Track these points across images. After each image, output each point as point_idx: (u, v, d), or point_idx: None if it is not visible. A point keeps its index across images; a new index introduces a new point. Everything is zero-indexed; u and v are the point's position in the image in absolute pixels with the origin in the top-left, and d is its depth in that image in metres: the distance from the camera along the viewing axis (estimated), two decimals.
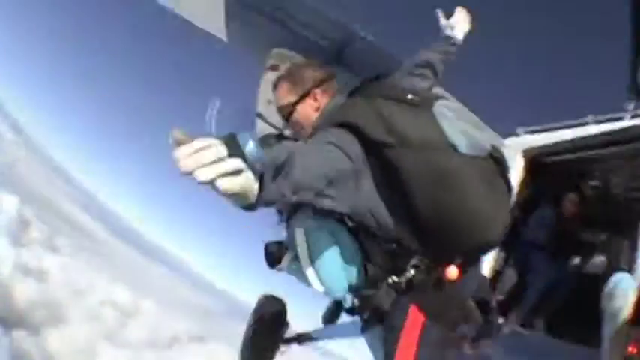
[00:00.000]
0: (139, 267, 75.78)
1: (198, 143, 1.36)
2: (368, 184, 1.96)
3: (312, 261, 2.21)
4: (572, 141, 5.35)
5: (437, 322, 2.13)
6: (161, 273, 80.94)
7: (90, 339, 41.89)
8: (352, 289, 2.23)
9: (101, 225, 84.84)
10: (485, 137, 2.06)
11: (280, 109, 2.41)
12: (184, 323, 59.04)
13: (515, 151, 5.60)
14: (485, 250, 2.09)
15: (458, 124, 2.02)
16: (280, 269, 2.40)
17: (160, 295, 62.67)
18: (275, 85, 2.41)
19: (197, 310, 68.14)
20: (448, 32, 2.70)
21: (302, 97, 2.33)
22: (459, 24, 2.72)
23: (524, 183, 5.61)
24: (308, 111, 2.33)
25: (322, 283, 2.22)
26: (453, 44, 2.70)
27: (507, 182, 2.10)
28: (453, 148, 1.96)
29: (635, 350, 2.70)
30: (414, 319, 2.11)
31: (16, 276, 38.36)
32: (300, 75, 2.38)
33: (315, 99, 2.33)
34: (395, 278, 2.07)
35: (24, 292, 37.68)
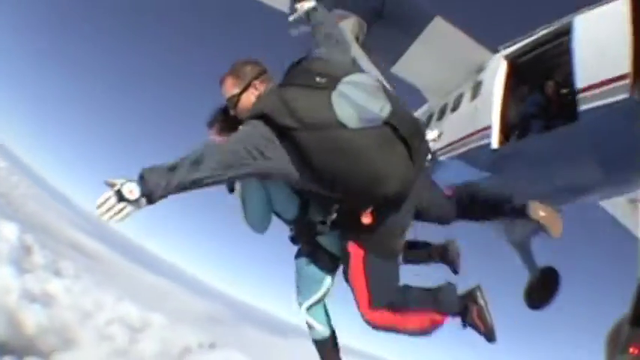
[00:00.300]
0: (144, 282, 75.49)
1: (100, 198, 2.28)
2: (277, 154, 2.56)
3: (244, 208, 3.16)
4: (536, 40, 7.09)
5: (375, 253, 2.84)
6: (167, 285, 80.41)
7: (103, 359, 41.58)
8: (291, 223, 3.19)
9: (103, 244, 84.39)
10: (380, 105, 2.55)
11: (228, 100, 2.94)
12: (194, 333, 58.84)
13: (499, 60, 7.48)
14: (389, 200, 2.60)
15: (354, 100, 2.51)
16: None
17: (167, 308, 62.51)
18: (221, 82, 2.95)
19: (206, 319, 67.94)
20: None
21: (244, 88, 2.90)
22: None
23: (509, 83, 7.34)
24: (250, 98, 2.87)
25: (247, 222, 3.20)
26: None
27: (407, 143, 2.55)
28: (343, 125, 2.46)
29: (636, 351, 2.82)
30: (355, 253, 2.86)
31: (22, 303, 38.18)
32: (242, 71, 2.92)
33: (256, 88, 2.89)
34: (324, 218, 2.88)
35: (32, 318, 37.50)
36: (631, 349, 2.85)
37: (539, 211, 3.14)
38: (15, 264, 42.87)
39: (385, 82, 3.34)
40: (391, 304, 2.88)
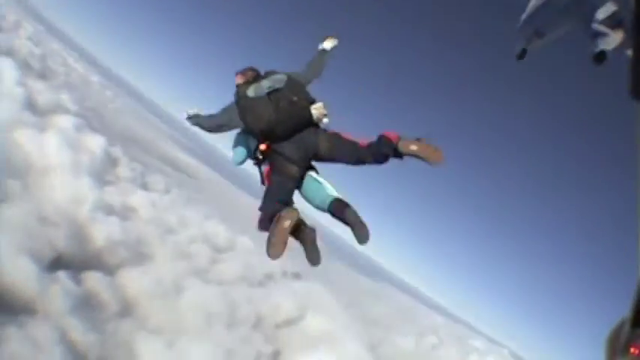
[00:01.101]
0: (238, 203, 74.93)
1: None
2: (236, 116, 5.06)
3: (233, 147, 5.24)
4: None
5: (274, 171, 5.00)
6: (255, 207, 79.47)
7: (176, 277, 40.18)
8: (251, 156, 5.19)
9: (200, 161, 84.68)
10: (269, 84, 5.03)
11: (238, 84, 5.35)
12: (280, 261, 57.27)
13: None
14: (265, 133, 4.89)
15: (258, 85, 5.07)
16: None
17: (257, 233, 61.10)
18: (236, 74, 5.39)
19: (296, 248, 66.28)
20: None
21: (244, 82, 5.31)
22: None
23: None
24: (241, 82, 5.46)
25: (233, 157, 5.18)
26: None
27: (277, 104, 4.89)
28: (247, 96, 5.02)
29: (637, 352, 2.64)
30: (267, 169, 5.04)
31: (95, 215, 37.16)
32: (245, 73, 5.37)
33: (247, 79, 5.35)
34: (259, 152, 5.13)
35: (103, 231, 36.41)
36: (632, 350, 2.60)
37: (412, 146, 4.70)
38: (95, 175, 41.99)
39: (297, 77, 5.24)
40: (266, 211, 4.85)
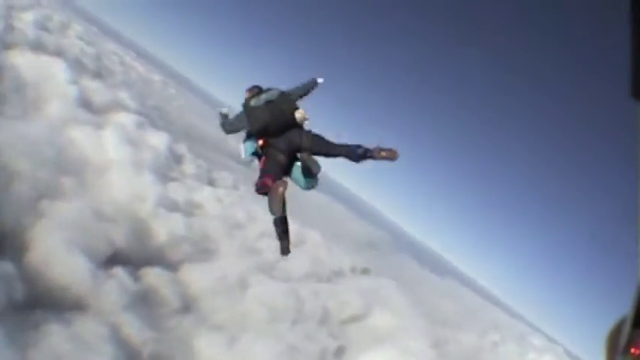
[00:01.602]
0: (306, 199, 73.37)
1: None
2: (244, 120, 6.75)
3: (243, 143, 6.80)
4: None
5: (268, 159, 6.48)
6: (327, 203, 77.29)
7: (241, 272, 38.89)
8: (255, 154, 6.71)
9: None
10: (267, 97, 6.67)
11: (247, 97, 6.87)
12: (349, 256, 54.83)
13: None
14: (261, 132, 6.51)
15: (260, 97, 6.69)
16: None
17: (326, 227, 59.27)
18: (247, 90, 7.03)
19: (365, 244, 63.77)
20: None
21: (251, 96, 6.86)
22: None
23: None
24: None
25: (244, 150, 6.70)
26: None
27: (272, 111, 6.53)
28: (252, 106, 6.67)
29: (637, 352, 2.45)
30: (263, 159, 6.54)
31: (158, 212, 36.48)
32: (251, 89, 7.00)
33: (252, 95, 6.88)
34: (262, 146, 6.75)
35: (166, 227, 35.66)
36: (632, 350, 2.43)
37: (382, 153, 6.31)
38: (158, 172, 41.55)
39: (288, 92, 6.88)
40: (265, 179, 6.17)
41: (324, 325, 38.21)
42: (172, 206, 39.77)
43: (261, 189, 6.18)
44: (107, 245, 27.04)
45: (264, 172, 6.38)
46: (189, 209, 42.38)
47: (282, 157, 6.49)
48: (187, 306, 29.77)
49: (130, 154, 37.28)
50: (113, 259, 26.91)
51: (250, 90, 7.05)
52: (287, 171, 6.57)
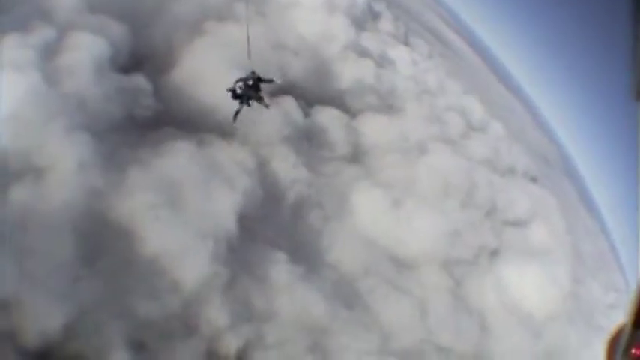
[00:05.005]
0: (496, 91, 64.04)
1: None
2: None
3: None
4: None
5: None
6: (515, 103, 67.03)
7: (423, 137, 33.61)
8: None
9: (465, 43, 74.33)
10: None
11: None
12: (524, 160, 46.80)
13: None
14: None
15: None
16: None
17: (509, 125, 51.11)
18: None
19: (539, 155, 54.45)
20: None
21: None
22: None
23: None
24: None
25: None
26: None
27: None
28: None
29: (638, 353, 2.67)
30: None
31: (347, 55, 32.16)
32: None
33: None
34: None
35: (353, 72, 31.60)
36: (632, 351, 2.64)
37: None
38: (353, 19, 36.35)
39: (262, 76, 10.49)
40: None
41: (489, 218, 31.92)
42: (364, 53, 35.19)
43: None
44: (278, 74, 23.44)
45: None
46: (381, 62, 37.49)
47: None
48: (355, 156, 25.90)
49: None
50: (282, 90, 23.15)
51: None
52: None
